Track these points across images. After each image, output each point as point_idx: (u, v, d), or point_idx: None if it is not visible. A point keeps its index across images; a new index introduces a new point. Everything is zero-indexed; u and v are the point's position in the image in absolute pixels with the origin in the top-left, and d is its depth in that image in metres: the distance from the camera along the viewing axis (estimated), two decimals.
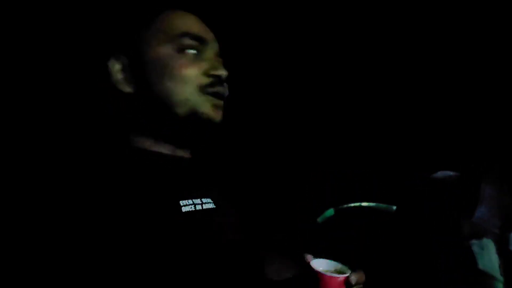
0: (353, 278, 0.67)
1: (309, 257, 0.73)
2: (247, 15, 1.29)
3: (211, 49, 0.78)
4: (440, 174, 1.28)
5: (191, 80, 0.73)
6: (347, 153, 1.45)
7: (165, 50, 0.73)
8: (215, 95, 0.75)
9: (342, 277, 0.67)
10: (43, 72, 1.05)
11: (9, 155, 0.88)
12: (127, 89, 0.75)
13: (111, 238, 0.59)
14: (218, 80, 0.75)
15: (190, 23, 0.77)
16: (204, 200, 0.73)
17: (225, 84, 0.76)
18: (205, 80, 0.74)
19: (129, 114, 0.77)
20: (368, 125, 1.39)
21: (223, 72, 0.75)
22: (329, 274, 0.68)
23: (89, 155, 0.72)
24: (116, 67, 0.75)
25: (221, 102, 0.76)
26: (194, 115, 0.73)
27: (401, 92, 1.36)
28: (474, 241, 1.15)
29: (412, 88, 1.35)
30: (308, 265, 0.71)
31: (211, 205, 0.73)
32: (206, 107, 0.74)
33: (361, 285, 0.70)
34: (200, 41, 0.76)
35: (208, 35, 0.78)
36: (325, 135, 1.29)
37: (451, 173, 1.27)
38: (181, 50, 0.74)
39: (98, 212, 0.61)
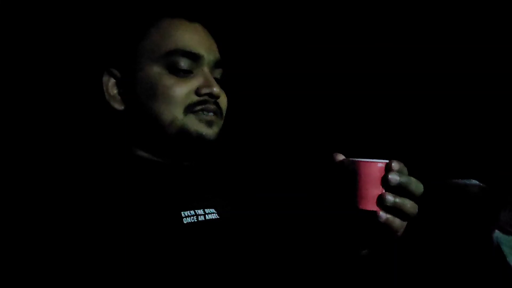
0: (395, 165, 0.55)
1: (339, 155, 0.61)
2: (254, 15, 1.28)
3: (205, 64, 0.75)
4: (461, 181, 1.25)
5: (178, 101, 0.71)
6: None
7: (155, 69, 0.72)
8: (204, 111, 0.73)
9: (382, 162, 0.55)
10: (43, 76, 1.05)
11: (12, 163, 0.88)
12: (118, 106, 0.74)
13: (108, 252, 0.57)
14: (208, 98, 0.73)
15: (183, 37, 0.74)
16: (207, 210, 0.70)
17: (218, 100, 0.75)
18: (194, 99, 0.72)
19: (122, 130, 0.76)
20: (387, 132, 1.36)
21: (213, 90, 0.73)
22: (366, 160, 0.56)
23: (90, 164, 0.71)
24: (110, 82, 0.75)
25: (212, 117, 0.74)
26: (184, 135, 0.72)
27: (422, 96, 1.33)
28: (502, 241, 1.13)
29: (433, 92, 1.32)
30: (340, 161, 0.59)
31: (214, 216, 0.70)
32: (196, 125, 0.72)
33: (406, 174, 0.56)
34: (192, 57, 0.73)
35: (202, 48, 0.75)
36: (338, 139, 1.25)
37: (474, 181, 1.23)
38: (172, 68, 0.72)
39: (95, 224, 0.59)
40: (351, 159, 0.58)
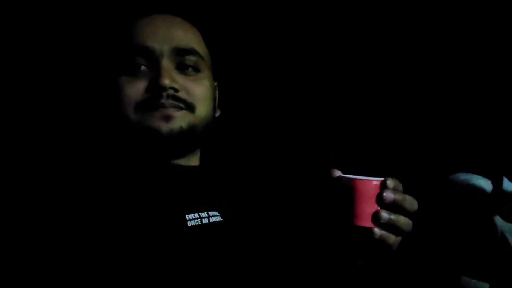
0: (390, 182, 0.57)
1: (336, 171, 0.62)
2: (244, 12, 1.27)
3: (160, 56, 0.71)
4: (461, 176, 1.26)
5: (128, 100, 0.69)
6: (364, 160, 1.42)
7: (112, 72, 0.72)
8: (160, 106, 0.69)
9: (377, 180, 0.57)
10: (43, 74, 1.05)
11: (7, 159, 0.88)
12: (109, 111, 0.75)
13: (113, 254, 0.58)
14: (158, 93, 0.69)
15: (136, 33, 0.72)
16: (211, 213, 0.70)
17: (181, 91, 0.70)
18: (145, 96, 0.69)
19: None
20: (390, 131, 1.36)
21: (160, 82, 0.68)
22: (362, 178, 0.58)
23: (94, 164, 0.71)
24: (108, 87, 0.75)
25: (171, 111, 0.70)
26: (140, 133, 0.69)
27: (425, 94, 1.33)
28: (506, 229, 1.16)
29: (437, 91, 1.32)
30: (337, 177, 0.60)
31: (218, 218, 0.71)
32: (150, 121, 0.69)
33: (401, 192, 0.58)
34: (145, 51, 0.71)
35: (155, 40, 0.71)
36: (340, 140, 1.26)
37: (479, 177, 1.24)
38: (127, 67, 0.71)
39: (99, 226, 0.59)
40: (347, 176, 0.60)
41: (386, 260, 0.63)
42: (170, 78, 0.70)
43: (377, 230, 0.56)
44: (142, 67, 0.71)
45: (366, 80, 1.31)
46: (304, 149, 1.26)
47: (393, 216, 0.57)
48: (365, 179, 0.58)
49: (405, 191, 0.60)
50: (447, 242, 1.24)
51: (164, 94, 0.69)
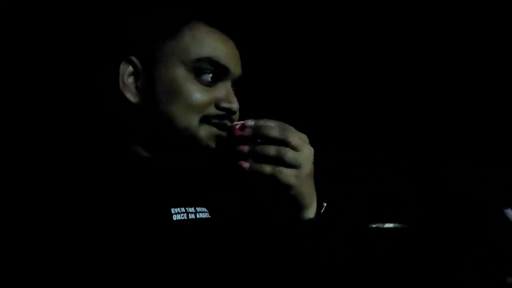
0: (250, 120, 0.65)
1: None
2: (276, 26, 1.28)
3: (230, 77, 0.74)
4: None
5: (197, 109, 0.70)
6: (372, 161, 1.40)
7: (180, 72, 0.70)
8: (219, 126, 0.71)
9: (239, 123, 0.67)
10: (44, 72, 1.05)
11: (4, 156, 0.89)
12: (132, 97, 0.72)
13: (95, 246, 0.57)
14: (227, 114, 0.71)
15: (216, 47, 0.73)
16: (198, 209, 0.70)
17: (233, 116, 0.73)
18: (213, 111, 0.71)
19: (127, 121, 0.74)
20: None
21: (233, 106, 0.72)
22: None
23: (81, 159, 0.70)
24: (127, 70, 0.72)
25: (223, 133, 0.72)
26: (193, 143, 0.70)
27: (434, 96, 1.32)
28: None
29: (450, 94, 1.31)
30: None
31: (205, 215, 0.70)
32: (207, 137, 0.70)
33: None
34: (221, 69, 0.72)
35: (231, 62, 0.74)
36: (341, 139, 1.25)
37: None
38: (197, 73, 0.71)
39: (84, 218, 0.59)
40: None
41: (386, 260, 0.62)
42: (238, 105, 0.74)
43: (244, 163, 0.60)
44: (210, 80, 0.72)
45: (366, 80, 1.30)
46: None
47: (255, 146, 0.61)
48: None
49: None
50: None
51: (233, 117, 0.73)
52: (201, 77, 0.71)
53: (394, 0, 1.28)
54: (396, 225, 1.41)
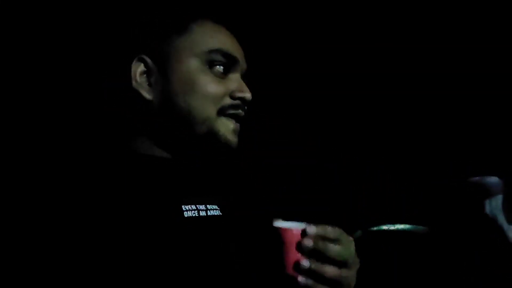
0: (310, 230, 0.57)
1: (277, 221, 0.63)
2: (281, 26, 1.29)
3: (239, 69, 0.76)
4: (478, 178, 1.26)
5: (214, 100, 0.71)
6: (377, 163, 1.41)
7: (194, 64, 0.71)
8: (235, 117, 0.73)
9: (298, 229, 0.58)
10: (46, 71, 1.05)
11: (7, 155, 0.88)
12: (147, 95, 0.72)
13: (106, 242, 0.57)
14: (241, 103, 0.73)
15: (223, 39, 0.74)
16: (209, 206, 0.70)
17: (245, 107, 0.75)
18: (228, 102, 0.72)
19: (141, 120, 0.74)
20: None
21: (246, 95, 0.73)
22: (283, 227, 0.59)
23: (91, 158, 0.70)
24: (139, 69, 0.72)
25: (238, 126, 0.74)
26: (212, 136, 0.71)
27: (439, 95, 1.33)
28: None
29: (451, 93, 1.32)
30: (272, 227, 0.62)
31: (216, 212, 0.70)
32: (226, 130, 0.72)
33: (328, 239, 0.58)
34: (232, 60, 0.74)
35: (239, 53, 0.76)
36: (342, 138, 1.25)
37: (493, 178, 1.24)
38: (210, 65, 0.72)
39: (95, 215, 0.59)
40: (277, 225, 0.60)
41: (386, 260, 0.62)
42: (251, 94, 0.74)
43: (301, 279, 0.57)
44: (223, 71, 0.73)
45: (366, 80, 1.31)
46: (307, 146, 1.26)
47: (314, 265, 0.57)
48: (286, 228, 0.59)
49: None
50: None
51: (243, 107, 0.74)
52: (213, 69, 0.72)
53: (394, 0, 1.30)
54: (409, 226, 1.42)
